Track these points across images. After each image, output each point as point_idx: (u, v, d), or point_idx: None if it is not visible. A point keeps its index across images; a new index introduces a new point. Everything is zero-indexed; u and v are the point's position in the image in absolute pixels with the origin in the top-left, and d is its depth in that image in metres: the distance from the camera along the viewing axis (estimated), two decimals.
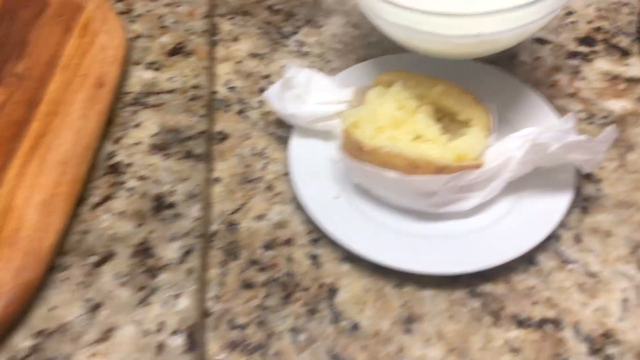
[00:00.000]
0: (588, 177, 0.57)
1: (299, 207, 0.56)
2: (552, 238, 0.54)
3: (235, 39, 0.72)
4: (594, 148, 0.49)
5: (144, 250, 0.51)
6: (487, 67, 0.64)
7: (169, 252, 0.51)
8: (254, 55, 0.70)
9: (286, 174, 0.59)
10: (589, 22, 0.74)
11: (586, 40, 0.71)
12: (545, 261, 0.52)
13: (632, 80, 0.66)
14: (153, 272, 0.50)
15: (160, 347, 0.46)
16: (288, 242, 0.54)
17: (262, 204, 0.57)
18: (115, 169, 0.57)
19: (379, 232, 0.53)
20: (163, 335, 0.47)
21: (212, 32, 0.72)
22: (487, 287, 0.51)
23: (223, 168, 0.59)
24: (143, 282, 0.49)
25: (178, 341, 0.47)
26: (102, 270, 0.50)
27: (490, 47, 0.57)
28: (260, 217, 0.56)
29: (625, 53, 0.69)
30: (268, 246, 0.54)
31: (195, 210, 0.54)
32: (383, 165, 0.51)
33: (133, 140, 0.59)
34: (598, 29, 0.73)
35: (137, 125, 0.60)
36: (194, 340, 0.47)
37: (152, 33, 0.69)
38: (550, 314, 0.49)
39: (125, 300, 0.49)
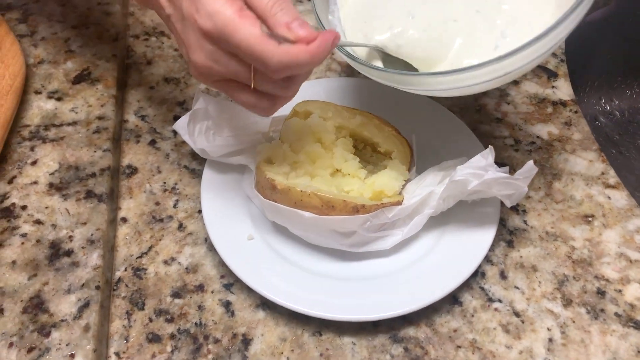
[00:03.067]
0: (514, 209, 0.56)
1: (212, 248, 0.52)
2: (477, 274, 0.52)
3: (149, 62, 0.67)
4: (515, 184, 0.47)
5: (36, 305, 0.47)
6: (411, 94, 0.62)
7: (65, 306, 0.47)
8: (168, 80, 0.66)
9: (199, 212, 0.55)
10: None
11: None
12: (470, 300, 0.50)
13: (558, 104, 0.65)
14: (45, 330, 0.45)
15: None
16: (199, 288, 0.50)
17: (172, 245, 0.53)
18: (8, 213, 0.52)
19: (295, 276, 0.49)
20: None
21: (123, 55, 0.67)
22: (410, 331, 0.48)
23: (130, 206, 0.55)
24: (34, 342, 0.45)
25: None
26: None
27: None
28: (169, 261, 0.52)
29: (552, 74, 0.68)
30: (177, 294, 0.50)
31: (94, 258, 0.49)
32: (297, 204, 0.48)
33: (29, 179, 0.54)
34: None
35: (34, 163, 0.55)
36: None
37: (56, 58, 0.64)
38: (475, 358, 0.47)
39: None
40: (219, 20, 0.38)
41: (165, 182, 0.57)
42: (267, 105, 0.44)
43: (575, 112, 0.64)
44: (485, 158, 0.47)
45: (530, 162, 0.47)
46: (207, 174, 0.55)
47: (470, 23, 0.49)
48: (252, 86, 0.41)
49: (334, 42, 0.39)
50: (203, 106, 0.54)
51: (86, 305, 0.47)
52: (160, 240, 0.53)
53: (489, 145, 0.48)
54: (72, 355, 0.44)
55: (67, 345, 0.45)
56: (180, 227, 0.54)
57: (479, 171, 0.47)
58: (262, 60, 0.38)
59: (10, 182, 0.54)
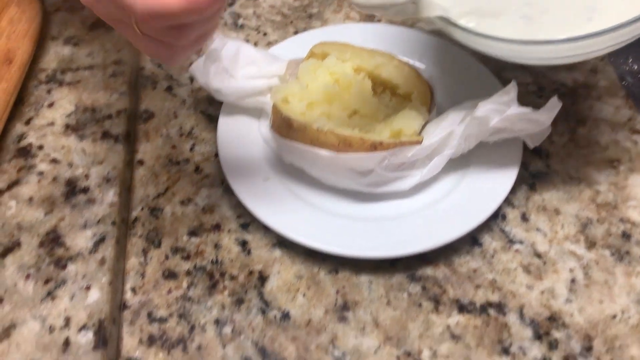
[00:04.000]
0: (536, 153, 0.54)
1: (229, 190, 0.52)
2: (498, 217, 0.50)
3: None
4: (538, 120, 0.46)
5: (52, 240, 0.47)
6: (431, 38, 0.60)
7: (80, 240, 0.47)
8: None
9: (216, 155, 0.55)
10: None
11: None
12: (490, 241, 0.49)
13: None
14: (62, 263, 0.45)
15: (67, 344, 0.42)
16: (216, 227, 0.50)
17: (189, 187, 0.53)
18: (25, 152, 0.52)
19: (312, 215, 0.49)
20: (69, 331, 0.42)
21: None
22: (428, 271, 0.47)
23: (147, 150, 0.55)
24: (50, 274, 0.45)
25: (86, 337, 0.42)
26: (4, 262, 0.45)
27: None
28: (186, 202, 0.52)
29: None
30: (194, 232, 0.50)
31: (110, 196, 0.49)
32: (314, 142, 0.47)
33: (46, 120, 0.54)
34: None
35: (50, 105, 0.55)
36: (104, 336, 0.42)
37: (72, 5, 0.63)
38: (494, 297, 0.46)
39: (29, 295, 0.44)
40: None
41: (181, 127, 0.57)
42: (166, 54, 0.37)
43: (602, 59, 0.62)
44: (507, 93, 0.46)
45: (555, 97, 0.46)
46: (224, 117, 0.54)
47: None
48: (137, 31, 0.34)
49: None
50: (219, 47, 0.54)
51: (102, 240, 0.47)
52: (176, 182, 0.53)
53: (512, 81, 0.47)
54: (88, 287, 0.44)
55: (83, 277, 0.45)
56: (197, 169, 0.54)
57: (501, 106, 0.46)
58: (124, 7, 0.31)
59: (27, 123, 0.54)
